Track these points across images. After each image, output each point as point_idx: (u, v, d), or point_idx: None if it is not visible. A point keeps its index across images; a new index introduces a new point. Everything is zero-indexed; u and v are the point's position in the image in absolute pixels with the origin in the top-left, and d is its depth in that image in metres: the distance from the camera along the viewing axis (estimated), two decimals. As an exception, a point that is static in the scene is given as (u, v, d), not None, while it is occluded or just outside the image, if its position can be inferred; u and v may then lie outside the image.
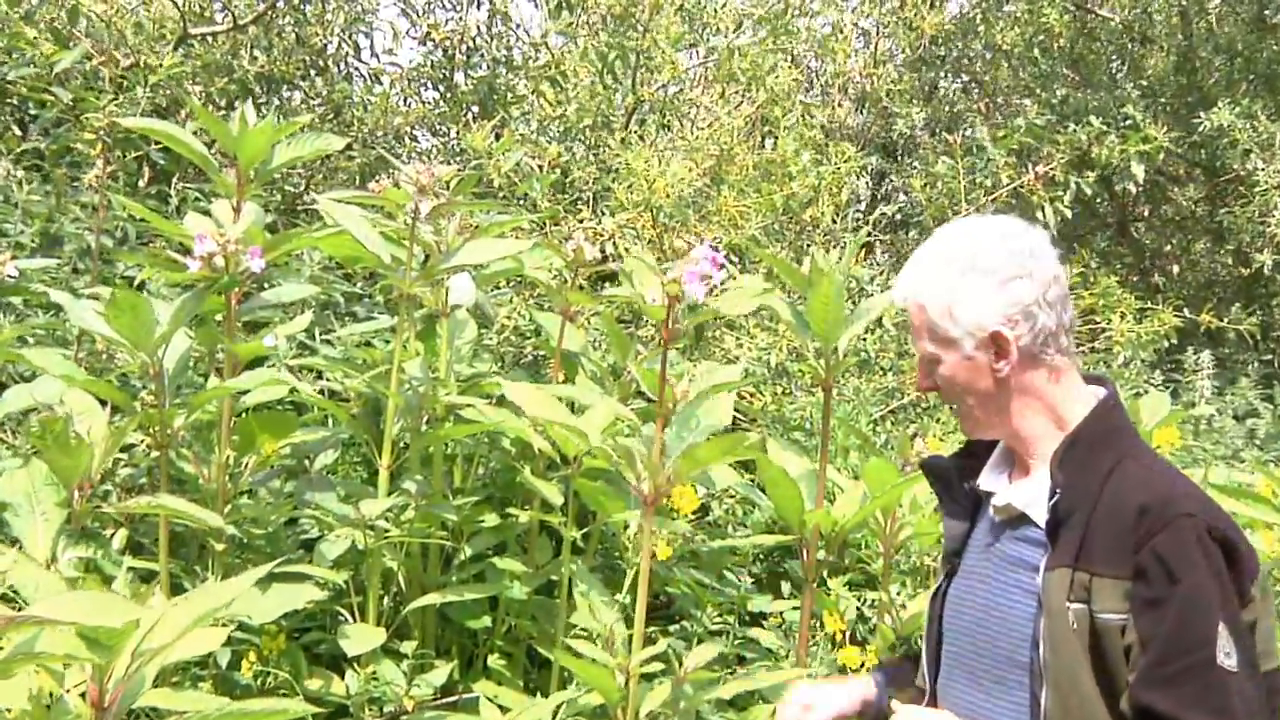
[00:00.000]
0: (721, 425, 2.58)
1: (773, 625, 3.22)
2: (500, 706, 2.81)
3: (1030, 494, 1.71)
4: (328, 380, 3.36)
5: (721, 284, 2.42)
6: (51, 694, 1.70)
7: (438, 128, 5.88)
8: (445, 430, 3.01)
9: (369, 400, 3.12)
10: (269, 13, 5.17)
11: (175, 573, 2.73)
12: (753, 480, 3.27)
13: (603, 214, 4.54)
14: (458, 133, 5.35)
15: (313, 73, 5.60)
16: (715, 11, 5.58)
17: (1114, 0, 7.66)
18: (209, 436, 2.88)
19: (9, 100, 4.58)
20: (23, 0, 4.61)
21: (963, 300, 1.69)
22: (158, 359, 2.55)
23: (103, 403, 2.57)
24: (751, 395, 4.30)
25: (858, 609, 3.34)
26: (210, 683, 2.67)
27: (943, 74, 8.33)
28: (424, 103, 5.89)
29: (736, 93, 5.47)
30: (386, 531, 2.83)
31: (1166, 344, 4.76)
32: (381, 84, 5.70)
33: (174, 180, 4.19)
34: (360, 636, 2.71)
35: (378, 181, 3.13)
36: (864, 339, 4.51)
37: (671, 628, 3.29)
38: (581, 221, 4.39)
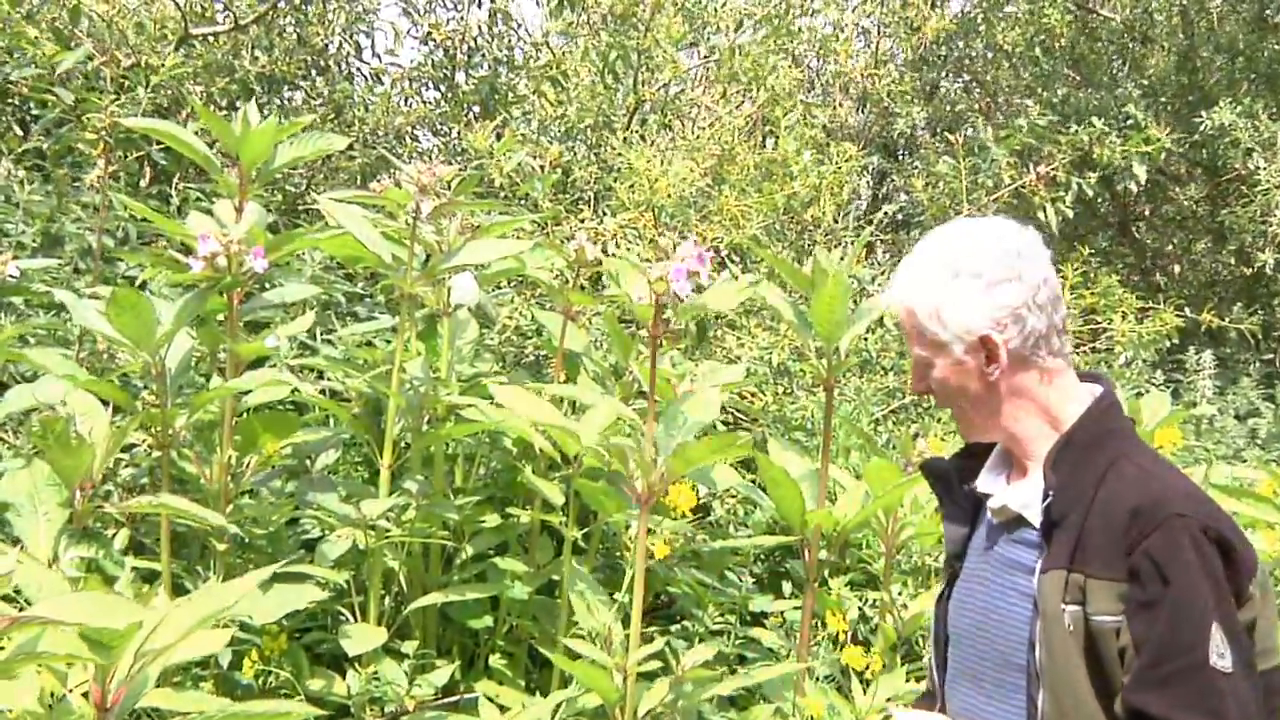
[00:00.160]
0: (709, 420, 2.57)
1: (774, 625, 3.23)
2: (500, 706, 2.81)
3: (1026, 496, 1.70)
4: (329, 380, 3.36)
5: (709, 278, 2.41)
6: (54, 694, 1.70)
7: (439, 127, 5.88)
8: (446, 430, 3.01)
9: (370, 400, 3.12)
10: (270, 13, 5.17)
11: (177, 572, 2.74)
12: (754, 480, 3.27)
13: (604, 214, 4.54)
14: (459, 132, 5.35)
15: (314, 73, 5.60)
16: (716, 11, 5.58)
17: (1115, 0, 7.66)
18: (211, 436, 2.88)
19: (11, 100, 4.58)
20: (24, 0, 4.61)
21: (950, 304, 1.68)
22: (160, 359, 2.55)
23: (104, 403, 2.57)
24: (753, 395, 4.30)
25: (859, 609, 3.34)
26: (212, 683, 2.68)
27: (944, 74, 8.34)
28: (425, 102, 5.89)
29: (738, 92, 5.47)
30: (388, 531, 2.83)
31: (1168, 344, 4.75)
32: (383, 84, 5.71)
33: (175, 180, 4.19)
34: (361, 636, 2.71)
35: (379, 181, 3.14)
36: (865, 338, 4.51)
37: (673, 627, 3.30)
38: (583, 221, 4.39)
